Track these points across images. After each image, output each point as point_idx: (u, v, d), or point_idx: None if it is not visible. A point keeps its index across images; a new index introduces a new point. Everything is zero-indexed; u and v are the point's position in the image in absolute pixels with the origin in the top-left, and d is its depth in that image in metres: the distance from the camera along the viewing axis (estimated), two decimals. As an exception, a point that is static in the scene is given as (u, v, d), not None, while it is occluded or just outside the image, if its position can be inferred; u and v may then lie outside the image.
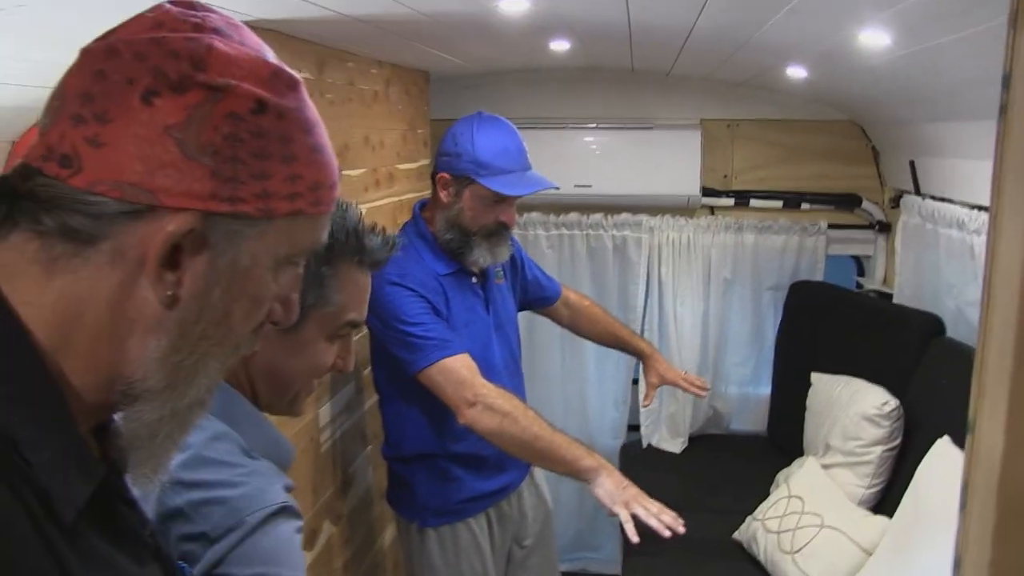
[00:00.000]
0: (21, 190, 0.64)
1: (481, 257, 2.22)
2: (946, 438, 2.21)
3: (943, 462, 2.16)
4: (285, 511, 1.04)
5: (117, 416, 0.72)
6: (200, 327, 0.69)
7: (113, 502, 0.70)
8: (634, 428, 3.74)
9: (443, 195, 2.21)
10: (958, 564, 0.58)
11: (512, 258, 2.42)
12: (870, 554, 2.29)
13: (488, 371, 2.22)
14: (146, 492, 0.95)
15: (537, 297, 2.62)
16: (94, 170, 0.63)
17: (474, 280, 2.31)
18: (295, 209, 0.70)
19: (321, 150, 0.73)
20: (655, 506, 2.04)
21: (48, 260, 0.64)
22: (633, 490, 2.05)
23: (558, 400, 3.72)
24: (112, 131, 0.63)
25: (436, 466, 2.24)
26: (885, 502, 2.55)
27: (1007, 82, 0.52)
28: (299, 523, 1.08)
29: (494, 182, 2.16)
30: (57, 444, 0.63)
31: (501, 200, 2.19)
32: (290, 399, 1.22)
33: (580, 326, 2.74)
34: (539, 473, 2.54)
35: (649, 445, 3.61)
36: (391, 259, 2.16)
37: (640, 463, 3.46)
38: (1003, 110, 0.52)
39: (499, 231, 2.23)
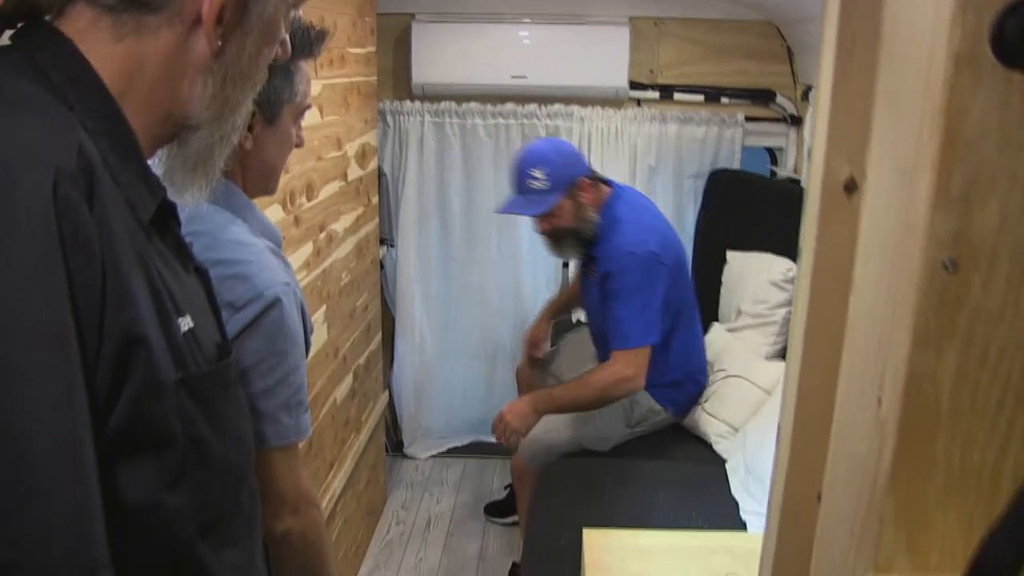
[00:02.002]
0: None
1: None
2: (838, 293, 2.53)
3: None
4: (288, 287, 1.28)
5: (167, 148, 0.89)
6: (239, 68, 0.86)
7: (168, 220, 0.88)
8: (565, 307, 4.03)
9: None
10: (800, 250, 0.83)
11: (601, 279, 2.79)
12: (770, 393, 2.63)
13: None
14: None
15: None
16: None
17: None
18: None
19: None
20: None
21: (116, 27, 0.78)
22: None
23: (495, 284, 3.98)
24: None
25: None
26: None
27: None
28: (302, 301, 1.33)
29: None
30: (132, 167, 0.80)
31: None
32: (273, 182, 1.43)
33: None
34: None
35: (578, 320, 3.90)
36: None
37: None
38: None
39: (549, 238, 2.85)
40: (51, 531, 0.63)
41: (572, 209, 2.74)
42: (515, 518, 3.44)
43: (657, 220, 2.85)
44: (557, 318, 3.38)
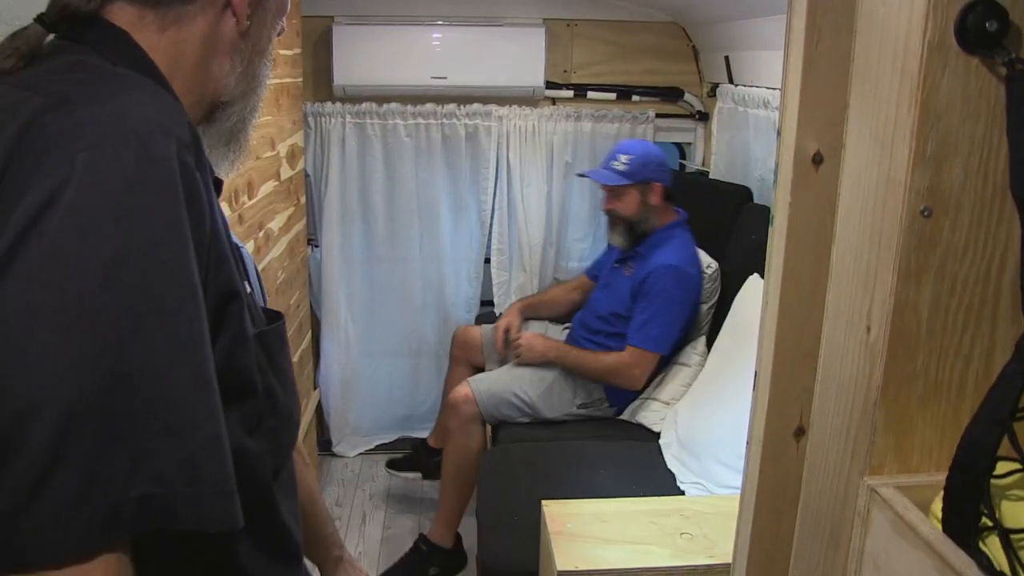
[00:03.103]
0: None
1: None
2: (755, 275, 2.71)
3: (755, 289, 2.67)
4: None
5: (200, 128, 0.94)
6: (262, 43, 0.94)
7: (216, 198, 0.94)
8: (487, 303, 4.14)
9: None
10: (773, 219, 0.95)
11: (642, 279, 3.04)
12: (702, 367, 2.80)
13: (584, 312, 3.32)
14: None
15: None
16: None
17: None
18: None
19: None
20: None
21: (160, 19, 0.86)
22: None
23: (418, 281, 4.04)
24: None
25: None
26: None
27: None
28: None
29: None
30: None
31: None
32: None
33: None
34: None
35: (502, 314, 4.01)
36: None
37: (495, 329, 3.87)
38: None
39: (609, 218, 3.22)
40: (195, 461, 0.69)
41: (637, 203, 3.10)
42: (417, 474, 3.63)
43: (699, 262, 3.12)
44: (527, 316, 3.59)
